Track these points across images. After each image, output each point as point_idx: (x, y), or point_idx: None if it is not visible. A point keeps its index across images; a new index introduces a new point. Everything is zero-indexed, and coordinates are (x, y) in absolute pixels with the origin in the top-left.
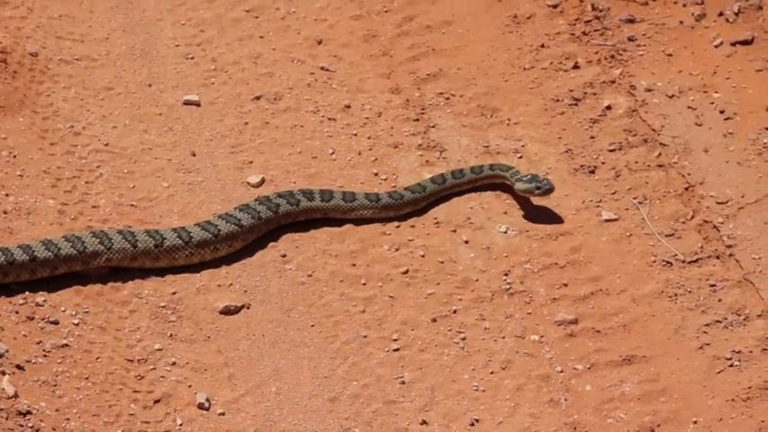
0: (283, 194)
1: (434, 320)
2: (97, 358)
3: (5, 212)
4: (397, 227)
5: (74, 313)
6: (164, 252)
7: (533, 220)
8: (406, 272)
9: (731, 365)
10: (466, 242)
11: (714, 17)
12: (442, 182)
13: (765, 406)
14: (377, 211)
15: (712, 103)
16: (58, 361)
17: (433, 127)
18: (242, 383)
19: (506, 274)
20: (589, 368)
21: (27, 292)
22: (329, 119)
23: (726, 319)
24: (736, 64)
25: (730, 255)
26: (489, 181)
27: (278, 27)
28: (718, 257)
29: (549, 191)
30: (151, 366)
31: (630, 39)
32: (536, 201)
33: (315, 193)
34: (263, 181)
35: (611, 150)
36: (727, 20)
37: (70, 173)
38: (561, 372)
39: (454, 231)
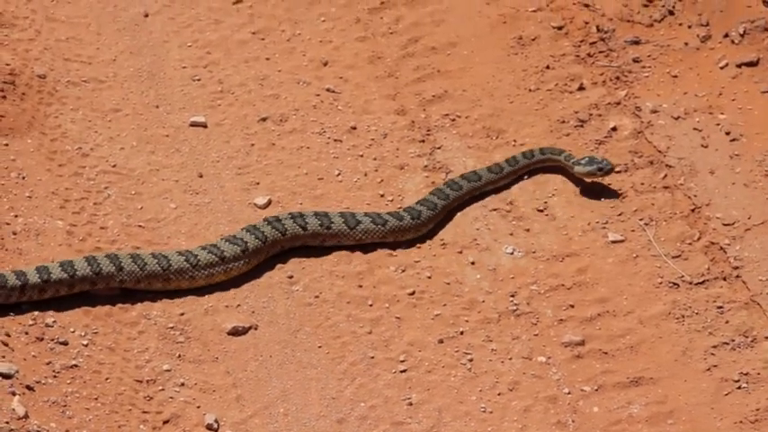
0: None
1: (441, 342)
2: (106, 379)
3: (15, 233)
4: (404, 248)
5: (83, 334)
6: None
7: (542, 239)
8: (413, 293)
9: (739, 387)
10: (472, 263)
11: (719, 39)
12: (498, 171)
13: None
14: (458, 197)
15: (718, 125)
16: (68, 381)
17: (439, 148)
18: (250, 404)
19: (513, 296)
20: (596, 390)
21: (36, 313)
22: (335, 140)
23: (733, 340)
24: (741, 85)
25: (737, 276)
26: (541, 165)
27: (284, 49)
28: (725, 279)
29: (610, 170)
30: (160, 387)
31: (636, 60)
32: (590, 179)
33: (404, 214)
34: (269, 202)
35: (616, 172)
36: (733, 41)
37: (78, 194)
38: (568, 393)
39: (460, 253)
